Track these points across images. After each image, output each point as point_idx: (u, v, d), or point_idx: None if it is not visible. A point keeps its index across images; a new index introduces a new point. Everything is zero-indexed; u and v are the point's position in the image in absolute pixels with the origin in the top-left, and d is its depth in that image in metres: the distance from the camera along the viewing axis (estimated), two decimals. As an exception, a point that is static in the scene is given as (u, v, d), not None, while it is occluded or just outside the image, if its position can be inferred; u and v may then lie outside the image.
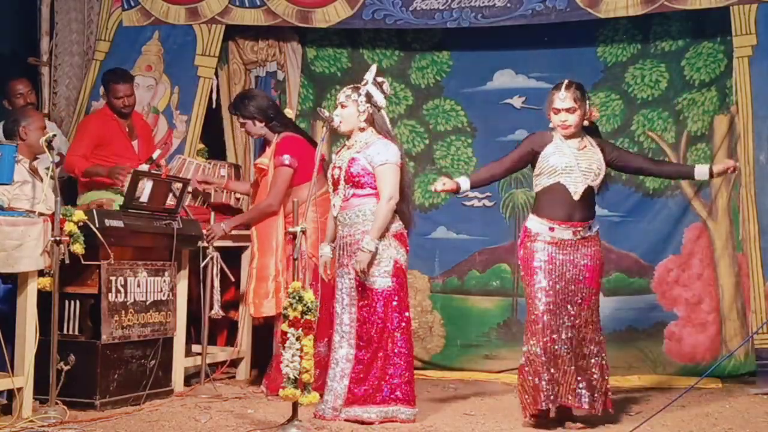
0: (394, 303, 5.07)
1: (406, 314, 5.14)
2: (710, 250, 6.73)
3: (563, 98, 5.04)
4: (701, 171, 5.19)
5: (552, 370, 4.91)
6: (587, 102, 5.11)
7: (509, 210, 7.02)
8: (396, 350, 5.04)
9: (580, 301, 5.01)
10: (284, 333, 4.65)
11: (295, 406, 4.68)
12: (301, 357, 4.60)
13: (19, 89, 6.76)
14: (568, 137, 5.08)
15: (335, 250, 5.24)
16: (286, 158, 5.80)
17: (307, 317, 4.62)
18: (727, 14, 6.34)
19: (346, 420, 5.00)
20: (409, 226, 5.26)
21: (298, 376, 4.60)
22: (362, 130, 5.20)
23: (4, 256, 4.66)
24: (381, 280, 5.06)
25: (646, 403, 5.67)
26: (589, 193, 5.07)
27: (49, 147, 5.13)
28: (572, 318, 4.98)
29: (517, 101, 6.99)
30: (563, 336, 4.95)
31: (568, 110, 5.03)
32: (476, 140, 7.16)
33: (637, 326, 6.79)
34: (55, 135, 5.27)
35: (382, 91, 5.22)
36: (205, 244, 5.88)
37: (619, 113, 6.93)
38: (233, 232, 6.07)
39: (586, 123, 5.12)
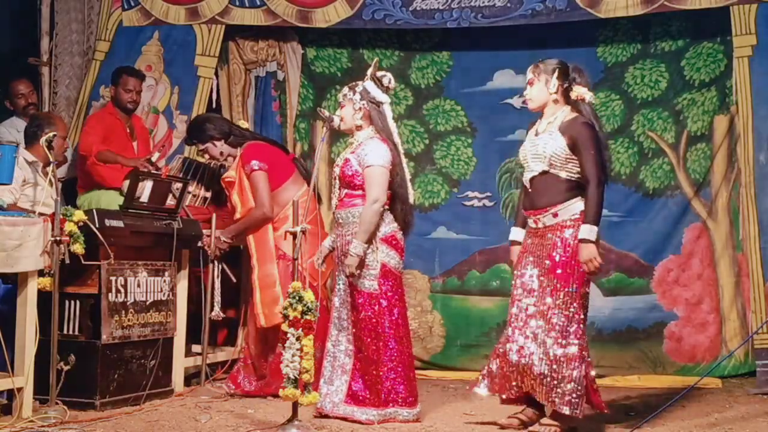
0: (384, 306, 5.00)
1: (396, 315, 5.03)
2: (710, 250, 6.74)
3: (527, 73, 4.98)
4: (582, 230, 4.70)
5: (500, 361, 4.84)
6: (553, 75, 4.83)
7: (509, 210, 7.02)
8: (389, 353, 4.99)
9: (542, 290, 4.73)
10: (284, 333, 4.64)
11: (295, 406, 4.67)
12: (301, 357, 4.59)
13: (20, 90, 6.76)
14: (539, 117, 4.95)
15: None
16: (255, 164, 5.76)
17: (307, 317, 4.62)
18: (727, 14, 6.35)
19: (343, 418, 4.98)
20: (407, 228, 5.16)
21: (298, 376, 4.60)
22: (360, 128, 5.14)
23: (4, 256, 4.66)
24: (368, 283, 5.01)
25: (646, 403, 5.67)
26: (545, 179, 4.81)
27: (50, 147, 5.13)
28: (534, 308, 4.72)
29: (517, 101, 6.98)
30: (527, 329, 4.75)
31: (528, 83, 4.95)
32: (476, 140, 7.17)
33: (637, 326, 6.81)
34: (55, 134, 5.28)
35: (383, 86, 5.15)
36: (207, 250, 5.88)
37: (619, 113, 6.93)
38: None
39: (555, 97, 4.84)
